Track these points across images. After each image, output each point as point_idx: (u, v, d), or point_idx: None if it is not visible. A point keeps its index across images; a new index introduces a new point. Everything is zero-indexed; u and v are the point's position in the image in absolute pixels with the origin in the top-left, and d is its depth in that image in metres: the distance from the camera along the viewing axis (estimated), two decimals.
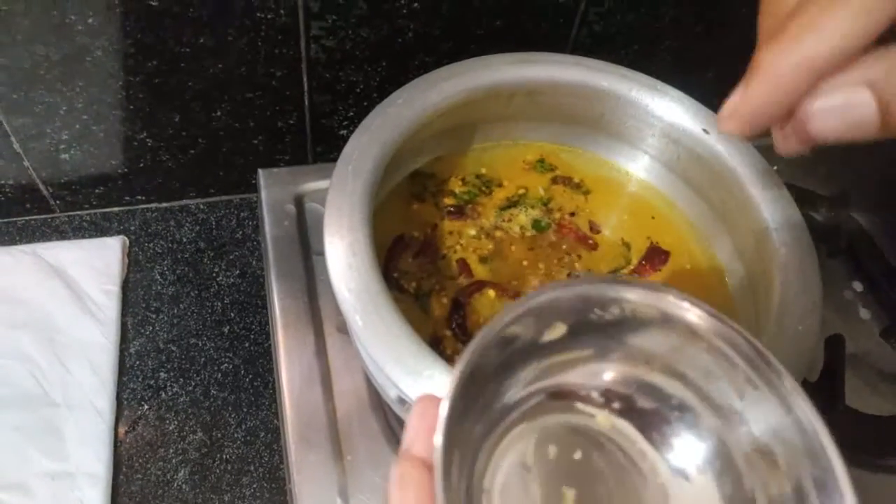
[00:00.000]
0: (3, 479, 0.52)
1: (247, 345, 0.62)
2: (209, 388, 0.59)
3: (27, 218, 0.67)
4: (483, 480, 0.29)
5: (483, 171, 0.57)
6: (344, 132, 0.68)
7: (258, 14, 0.55)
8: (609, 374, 0.31)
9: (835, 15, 0.21)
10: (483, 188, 0.55)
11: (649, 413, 0.31)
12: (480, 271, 0.51)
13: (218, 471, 0.56)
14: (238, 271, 0.66)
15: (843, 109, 0.21)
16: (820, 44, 0.22)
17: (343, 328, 0.56)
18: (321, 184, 0.64)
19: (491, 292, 0.49)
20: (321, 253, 0.42)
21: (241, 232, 0.69)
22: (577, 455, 0.31)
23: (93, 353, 0.58)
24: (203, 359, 0.61)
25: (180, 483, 0.55)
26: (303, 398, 0.53)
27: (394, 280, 0.49)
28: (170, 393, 0.59)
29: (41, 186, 0.65)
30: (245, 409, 0.59)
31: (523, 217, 0.54)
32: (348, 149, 0.46)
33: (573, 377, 0.31)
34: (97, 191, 0.67)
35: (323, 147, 0.69)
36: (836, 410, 0.56)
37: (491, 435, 0.30)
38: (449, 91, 0.50)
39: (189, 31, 0.55)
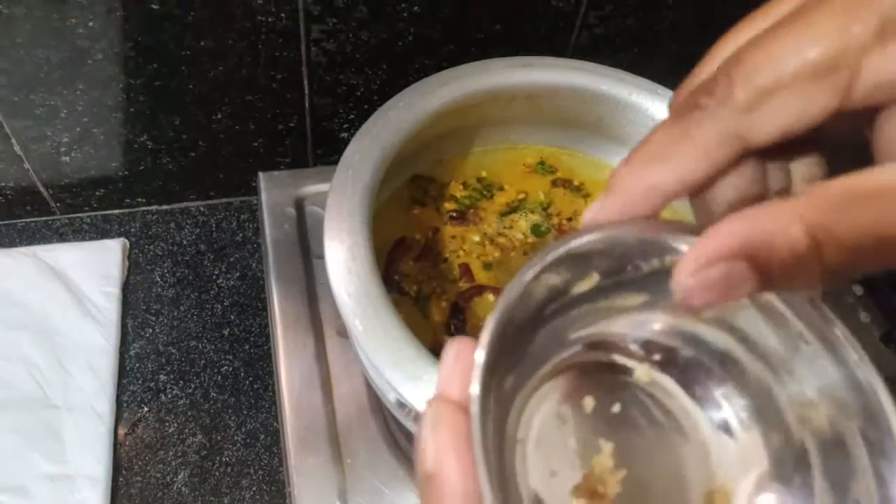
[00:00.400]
0: (3, 481, 0.52)
1: (247, 347, 0.62)
2: (209, 390, 0.59)
3: (28, 220, 0.67)
4: (517, 430, 0.29)
5: (483, 174, 0.57)
6: (344, 135, 0.68)
7: (258, 17, 0.55)
8: (652, 324, 0.30)
9: (678, 150, 0.23)
10: (484, 192, 0.55)
11: (692, 367, 0.30)
12: (483, 277, 0.51)
13: (217, 473, 0.56)
14: (238, 274, 0.66)
15: (720, 283, 0.21)
16: (666, 175, 0.23)
17: (343, 332, 0.56)
18: (321, 187, 0.64)
19: (490, 296, 0.49)
20: (321, 256, 0.42)
21: (241, 234, 0.69)
22: (616, 409, 0.30)
23: (93, 356, 0.58)
24: (203, 361, 0.61)
25: (180, 485, 0.55)
26: (302, 401, 0.53)
27: (394, 282, 0.50)
28: (170, 395, 0.59)
29: (42, 188, 0.65)
30: (245, 412, 0.59)
31: (524, 223, 0.54)
32: (348, 153, 0.47)
33: (612, 327, 0.30)
34: (97, 193, 0.67)
35: (323, 150, 0.69)
36: None
37: (525, 385, 0.29)
38: (449, 95, 0.50)
39: (189, 35, 0.55)
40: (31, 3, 0.50)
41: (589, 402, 0.30)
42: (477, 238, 0.53)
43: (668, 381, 0.31)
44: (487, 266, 0.51)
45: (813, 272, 0.19)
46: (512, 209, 0.55)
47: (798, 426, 0.27)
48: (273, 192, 0.64)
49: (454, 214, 0.54)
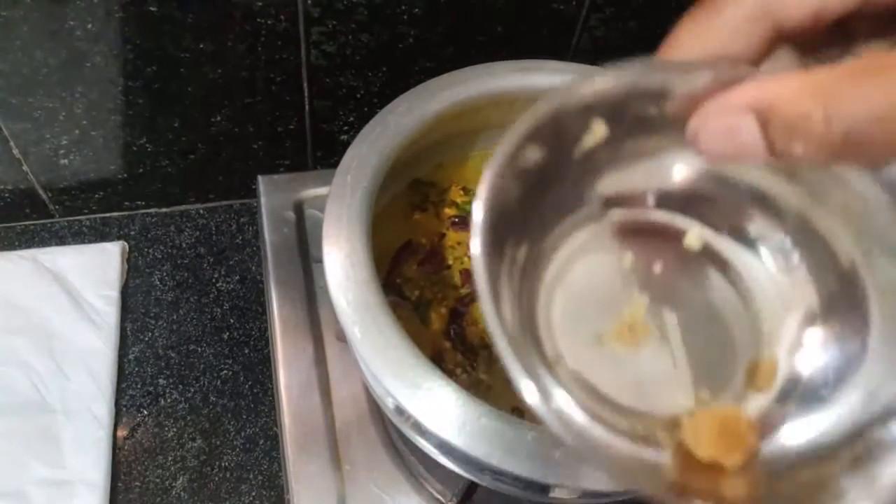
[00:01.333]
0: (1, 486, 0.52)
1: (246, 351, 0.62)
2: (208, 394, 0.59)
3: (26, 223, 0.67)
4: (545, 272, 0.28)
5: None
6: (344, 137, 0.68)
7: (258, 19, 0.55)
8: (672, 172, 0.29)
9: (708, 28, 0.23)
10: None
11: (722, 210, 0.29)
12: None
13: (217, 478, 0.55)
14: (238, 277, 0.66)
15: (725, 134, 0.21)
16: (696, 54, 0.23)
17: (342, 336, 0.56)
18: (321, 190, 0.63)
19: None
20: (321, 260, 0.42)
21: (240, 237, 0.68)
22: (657, 268, 0.30)
23: (91, 360, 0.58)
24: (202, 365, 0.61)
25: (179, 491, 0.55)
26: (301, 406, 0.53)
27: (396, 286, 0.49)
28: (169, 399, 0.59)
29: (40, 191, 0.64)
30: (244, 417, 0.58)
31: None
32: (347, 158, 0.46)
33: (634, 178, 0.29)
34: (96, 196, 0.66)
35: (323, 152, 0.69)
36: None
37: (551, 239, 0.29)
38: (449, 99, 0.50)
39: (189, 37, 0.55)
40: (29, 5, 0.50)
41: (627, 258, 0.30)
42: None
43: (713, 237, 0.30)
44: None
45: (813, 137, 0.19)
46: None
47: (844, 250, 0.27)
48: (272, 195, 0.64)
49: (456, 220, 0.53)
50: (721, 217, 0.30)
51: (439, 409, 0.37)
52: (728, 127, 0.21)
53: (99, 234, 0.67)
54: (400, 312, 0.41)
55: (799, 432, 0.27)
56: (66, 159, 0.62)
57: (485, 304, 0.22)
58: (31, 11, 0.50)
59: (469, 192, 0.55)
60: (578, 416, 0.26)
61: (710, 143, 0.22)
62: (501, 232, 0.25)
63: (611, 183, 0.29)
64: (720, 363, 0.29)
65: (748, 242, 0.30)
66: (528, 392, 0.22)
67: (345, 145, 0.47)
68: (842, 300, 0.27)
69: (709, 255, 0.30)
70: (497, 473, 0.39)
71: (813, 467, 0.26)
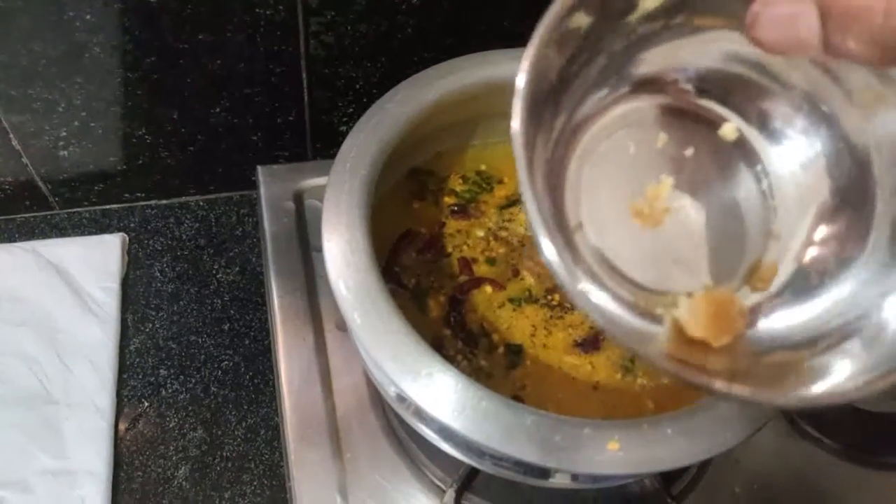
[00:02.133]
0: (4, 476, 0.52)
1: (247, 342, 0.62)
2: (209, 385, 0.59)
3: (26, 215, 0.67)
4: (578, 143, 0.29)
5: (483, 167, 0.56)
6: (344, 128, 0.68)
7: (257, 10, 0.55)
8: (716, 52, 0.30)
9: None
10: (484, 185, 0.55)
11: (755, 97, 0.30)
12: (485, 271, 0.50)
13: (218, 468, 0.56)
14: (238, 268, 0.66)
15: (784, 22, 0.21)
16: None
17: (342, 325, 0.56)
18: (320, 180, 0.64)
19: (488, 288, 0.49)
20: (320, 250, 0.42)
21: (240, 229, 0.69)
22: (689, 152, 0.31)
23: (93, 351, 0.58)
24: (203, 356, 0.61)
25: (181, 480, 0.55)
26: (302, 396, 0.53)
27: (394, 274, 0.49)
28: (170, 390, 0.59)
29: (40, 183, 0.64)
30: (245, 407, 0.59)
31: (524, 216, 0.53)
32: (346, 146, 0.46)
33: (679, 54, 0.30)
34: (96, 188, 0.66)
35: (322, 143, 0.69)
36: (838, 407, 0.56)
37: (587, 110, 0.29)
38: (447, 87, 0.50)
39: (187, 28, 0.55)
40: None
41: (662, 138, 0.31)
42: (481, 233, 0.52)
43: (748, 132, 0.31)
44: (490, 261, 0.51)
45: (869, 32, 0.19)
46: (511, 202, 0.54)
47: (861, 140, 0.28)
48: (272, 185, 0.64)
49: (455, 208, 0.53)
50: (750, 103, 0.31)
51: (439, 393, 0.37)
52: (789, 14, 0.21)
53: (99, 226, 0.67)
54: (398, 301, 0.41)
55: (784, 320, 0.29)
56: (66, 151, 0.62)
57: (521, 171, 0.23)
58: (30, 2, 0.50)
59: (468, 181, 0.55)
60: (587, 279, 0.27)
61: (768, 28, 0.22)
62: (540, 101, 0.26)
63: (652, 59, 0.30)
64: (728, 256, 0.30)
65: (775, 134, 0.31)
66: (548, 249, 0.23)
67: (344, 136, 0.47)
68: (853, 195, 0.28)
69: (740, 149, 0.31)
70: (497, 458, 0.40)
71: (789, 351, 0.28)
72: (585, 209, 0.30)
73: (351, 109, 0.66)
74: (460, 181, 0.55)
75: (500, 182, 0.56)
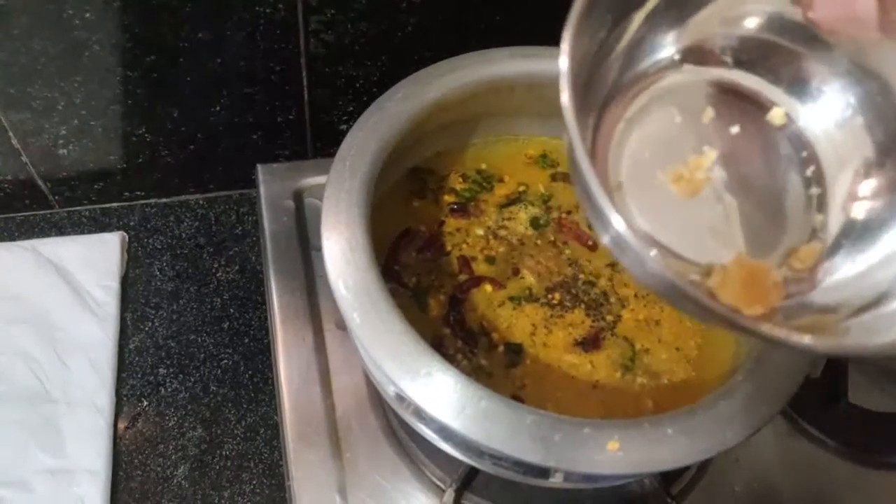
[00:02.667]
0: (3, 475, 0.52)
1: (246, 341, 0.62)
2: (209, 384, 0.59)
3: (26, 214, 0.67)
4: (626, 110, 0.30)
5: (483, 166, 0.56)
6: (344, 127, 0.68)
7: (257, 8, 0.55)
8: (758, 18, 0.30)
9: None
10: (484, 184, 0.55)
11: (790, 63, 0.31)
12: (484, 270, 0.50)
13: (217, 467, 0.55)
14: (238, 267, 0.66)
15: (841, 1, 0.21)
16: None
17: (342, 324, 0.56)
18: (320, 179, 0.63)
19: (488, 287, 0.49)
20: (320, 249, 0.42)
21: (240, 228, 0.68)
22: (734, 130, 0.31)
23: (92, 350, 0.58)
24: (202, 355, 0.61)
25: (180, 479, 0.55)
26: (301, 395, 0.53)
27: (395, 272, 0.49)
28: (169, 389, 0.59)
29: (40, 182, 0.64)
30: (245, 406, 0.58)
31: (523, 215, 0.53)
32: (346, 145, 0.46)
33: (710, 23, 0.30)
34: (96, 186, 0.66)
35: (323, 142, 0.69)
36: (839, 407, 0.56)
37: (643, 74, 0.30)
38: (448, 85, 0.50)
39: (187, 26, 0.55)
40: None
41: (708, 113, 0.31)
42: (481, 232, 0.52)
43: (802, 117, 0.31)
44: (490, 260, 0.51)
45: None
46: (511, 201, 0.54)
47: None
48: (272, 184, 0.64)
49: (455, 206, 0.53)
50: (787, 68, 0.31)
51: (439, 393, 0.37)
52: None
53: (98, 225, 0.67)
54: (398, 300, 0.41)
55: (845, 274, 0.29)
56: (66, 149, 0.62)
57: (577, 147, 0.24)
58: (30, 1, 0.50)
59: (468, 179, 0.55)
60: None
61: (825, 8, 0.21)
62: (585, 71, 0.27)
63: (694, 26, 0.30)
64: (766, 234, 0.31)
65: (811, 94, 0.31)
66: (618, 222, 0.24)
67: (344, 135, 0.47)
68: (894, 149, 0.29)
69: (785, 130, 0.31)
70: (497, 457, 0.40)
71: (821, 314, 0.28)
72: (626, 173, 0.30)
73: (351, 108, 0.66)
74: (460, 180, 0.55)
75: (501, 181, 0.55)
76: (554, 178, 0.56)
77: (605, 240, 0.27)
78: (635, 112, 0.31)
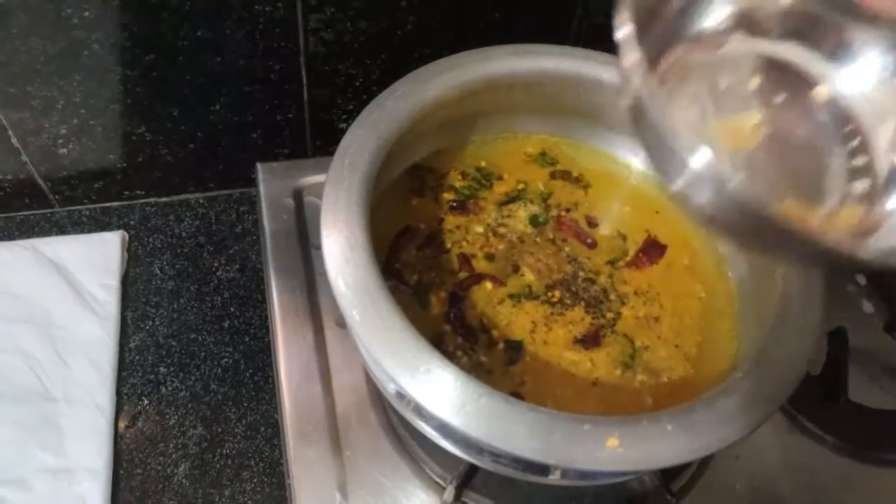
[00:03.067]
0: (3, 474, 0.52)
1: (247, 339, 0.62)
2: (209, 382, 0.59)
3: (26, 213, 0.67)
4: (672, 73, 0.31)
5: (482, 163, 0.56)
6: (343, 125, 0.68)
7: (256, 6, 0.55)
8: None
9: None
10: (483, 181, 0.55)
11: (836, 28, 0.31)
12: (485, 268, 0.50)
13: (218, 465, 0.55)
14: (238, 266, 0.66)
15: None
16: None
17: (342, 322, 0.56)
18: (320, 177, 0.63)
19: (488, 284, 0.49)
20: (320, 247, 0.42)
21: (240, 226, 0.68)
22: (779, 99, 0.32)
23: (92, 349, 0.58)
24: (203, 353, 0.61)
25: (180, 478, 0.55)
26: (301, 394, 0.53)
27: (395, 270, 0.49)
28: (170, 388, 0.59)
29: (40, 181, 0.64)
30: (245, 404, 0.58)
31: (523, 213, 0.53)
32: (345, 143, 0.46)
33: None
34: (96, 185, 0.66)
35: (322, 140, 0.69)
36: (838, 404, 0.56)
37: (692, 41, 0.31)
38: (447, 83, 0.50)
39: (187, 25, 0.55)
40: None
41: (755, 81, 0.32)
42: (480, 229, 0.52)
43: (841, 82, 0.32)
44: (490, 257, 0.51)
45: None
46: (511, 199, 0.54)
47: None
48: (271, 182, 0.64)
49: (454, 204, 0.53)
50: (828, 32, 0.31)
51: (439, 390, 0.37)
52: None
53: (99, 224, 0.67)
54: (399, 297, 0.41)
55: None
56: (65, 149, 0.62)
57: (636, 73, 0.25)
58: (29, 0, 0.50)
59: (467, 177, 0.55)
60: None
61: None
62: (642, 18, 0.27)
63: None
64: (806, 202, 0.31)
65: (851, 56, 0.31)
66: (703, 154, 0.24)
67: (344, 133, 0.47)
68: None
69: (831, 107, 0.32)
70: (497, 455, 0.40)
71: None
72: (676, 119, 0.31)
73: (351, 106, 0.66)
74: (459, 177, 0.55)
75: (500, 178, 0.56)
76: (553, 175, 0.56)
77: (678, 181, 0.26)
78: (680, 76, 0.31)
